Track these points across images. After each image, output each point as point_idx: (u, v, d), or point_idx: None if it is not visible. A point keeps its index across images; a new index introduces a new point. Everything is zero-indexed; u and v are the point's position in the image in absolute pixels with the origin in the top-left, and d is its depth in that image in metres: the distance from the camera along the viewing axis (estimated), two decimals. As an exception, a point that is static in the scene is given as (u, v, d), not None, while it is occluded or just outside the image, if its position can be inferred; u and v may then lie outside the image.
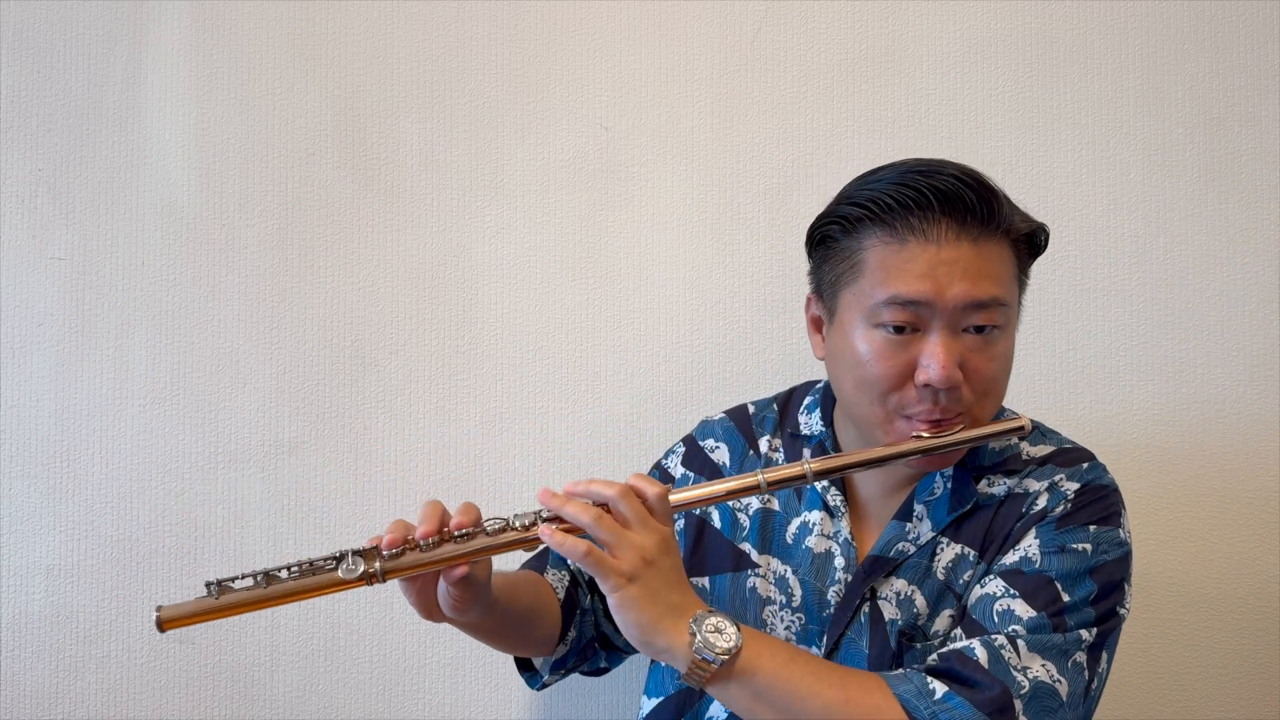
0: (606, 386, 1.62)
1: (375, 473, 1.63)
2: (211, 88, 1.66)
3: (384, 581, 0.98)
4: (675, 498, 1.02)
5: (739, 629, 0.97)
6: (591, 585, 1.26)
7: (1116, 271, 1.58)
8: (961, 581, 1.09)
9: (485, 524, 1.00)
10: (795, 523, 1.18)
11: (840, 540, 1.15)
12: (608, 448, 1.62)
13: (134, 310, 1.64)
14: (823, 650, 1.11)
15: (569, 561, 1.26)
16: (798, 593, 1.15)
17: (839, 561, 1.14)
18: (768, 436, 1.24)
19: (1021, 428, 1.07)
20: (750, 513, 1.21)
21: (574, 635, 1.24)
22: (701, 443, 1.28)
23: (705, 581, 1.20)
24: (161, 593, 1.62)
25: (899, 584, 1.10)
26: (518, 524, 1.00)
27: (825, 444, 1.19)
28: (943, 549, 1.11)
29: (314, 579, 0.97)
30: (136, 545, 1.62)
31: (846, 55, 1.62)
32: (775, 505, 1.20)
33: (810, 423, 1.22)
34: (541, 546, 1.30)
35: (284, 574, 0.97)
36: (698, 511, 1.23)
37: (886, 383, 1.06)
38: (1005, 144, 1.60)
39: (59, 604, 1.62)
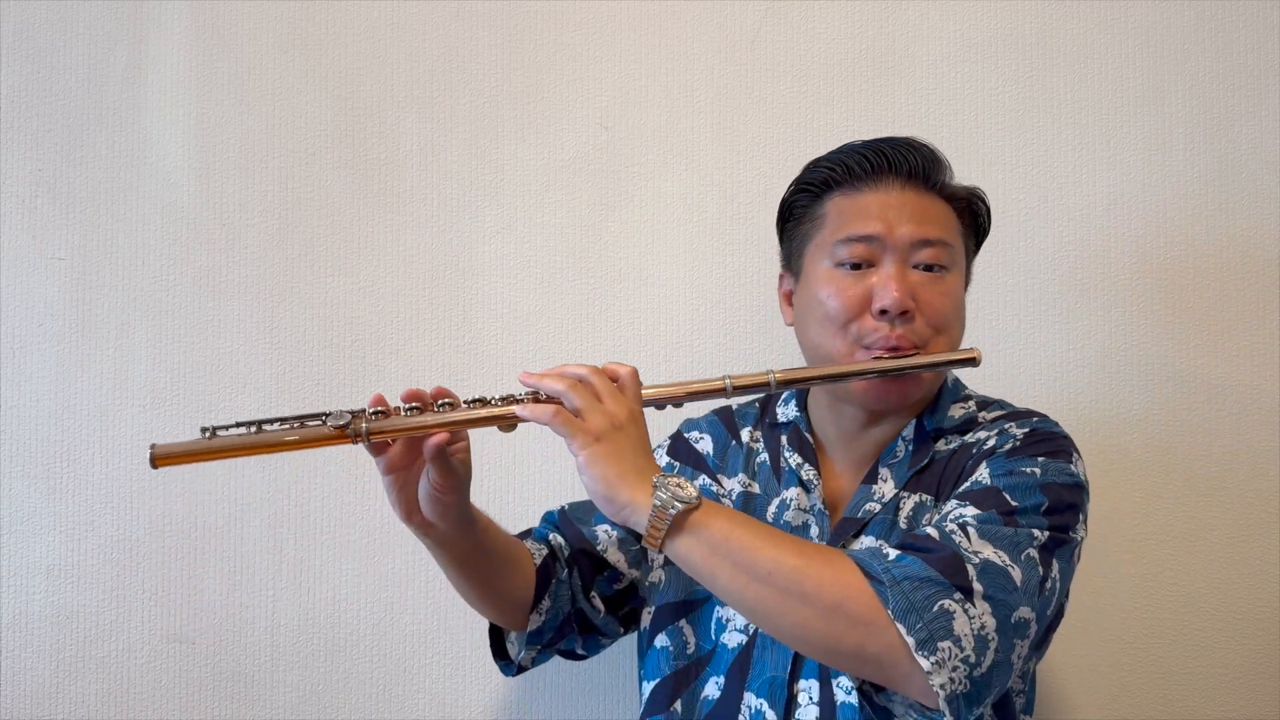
0: (606, 386, 1.62)
1: (375, 473, 1.62)
2: (211, 88, 1.66)
3: (368, 440, 1.02)
4: (646, 392, 1.08)
5: (699, 491, 1.01)
6: (570, 561, 1.27)
7: (1116, 271, 1.58)
8: (922, 525, 1.12)
9: (464, 402, 1.05)
10: (775, 502, 1.22)
11: (815, 511, 1.19)
12: (608, 448, 1.61)
13: (134, 310, 1.64)
14: None
15: (549, 537, 1.29)
16: None
17: (814, 531, 1.18)
18: (749, 428, 1.30)
19: (974, 359, 1.13)
20: (733, 497, 1.25)
21: (549, 606, 1.24)
22: (686, 434, 1.34)
23: None
24: (161, 593, 1.62)
25: (868, 541, 1.14)
26: (496, 399, 1.05)
27: (800, 427, 1.25)
28: (904, 501, 1.16)
29: (302, 430, 1.01)
30: (136, 545, 1.62)
31: (846, 55, 1.62)
32: (756, 489, 1.25)
33: (786, 411, 1.28)
34: (523, 531, 1.31)
35: (274, 426, 1.01)
36: None
37: (847, 313, 1.15)
38: (1005, 144, 1.60)
39: (59, 604, 1.62)
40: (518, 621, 1.25)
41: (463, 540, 1.15)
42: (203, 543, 1.62)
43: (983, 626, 0.95)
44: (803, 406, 1.27)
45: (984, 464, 1.10)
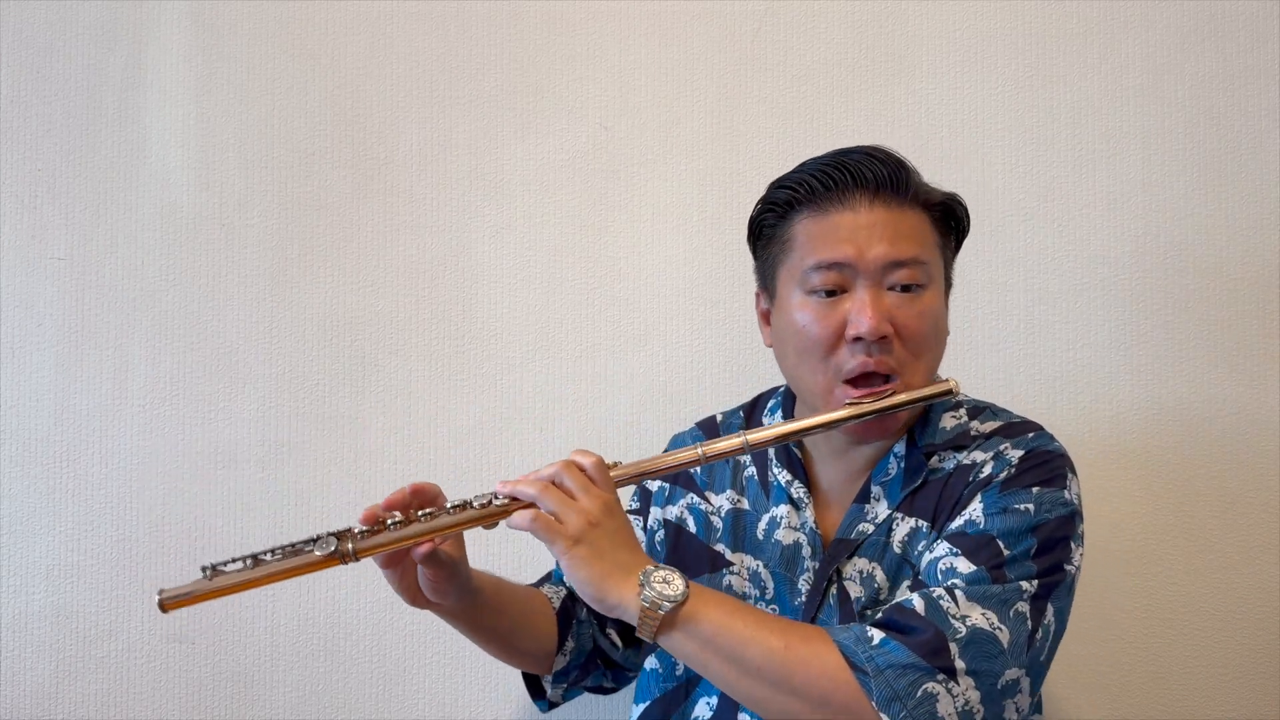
0: (606, 386, 1.62)
1: (375, 473, 1.63)
2: (211, 88, 1.66)
3: (357, 560, 1.05)
4: (617, 472, 1.09)
5: (686, 582, 1.01)
6: None
7: (1116, 271, 1.58)
8: (917, 553, 1.12)
9: (447, 505, 1.07)
10: (765, 519, 1.21)
11: (806, 530, 1.18)
12: (607, 447, 1.59)
13: (134, 310, 1.64)
14: None
15: (565, 578, 1.28)
16: (770, 585, 1.18)
17: (806, 550, 1.17)
18: None
19: (949, 390, 1.11)
20: (722, 515, 1.24)
21: (573, 646, 1.27)
22: None
23: None
24: (161, 593, 1.62)
25: (861, 563, 1.14)
26: (477, 503, 1.06)
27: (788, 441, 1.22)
28: (898, 524, 1.14)
29: (295, 560, 1.05)
30: (136, 545, 1.62)
31: (846, 55, 1.62)
32: (745, 505, 1.23)
33: (772, 423, 1.25)
34: (543, 576, 1.32)
35: (269, 556, 1.05)
36: (674, 518, 1.27)
37: (824, 344, 1.12)
38: (1005, 144, 1.60)
39: (59, 604, 1.62)
40: (545, 666, 1.27)
41: (472, 610, 1.16)
42: (203, 542, 1.62)
43: (967, 703, 0.98)
44: (789, 418, 1.25)
45: (979, 497, 1.09)
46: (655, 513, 1.29)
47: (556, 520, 1.02)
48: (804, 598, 1.15)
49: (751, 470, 1.25)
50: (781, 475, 1.21)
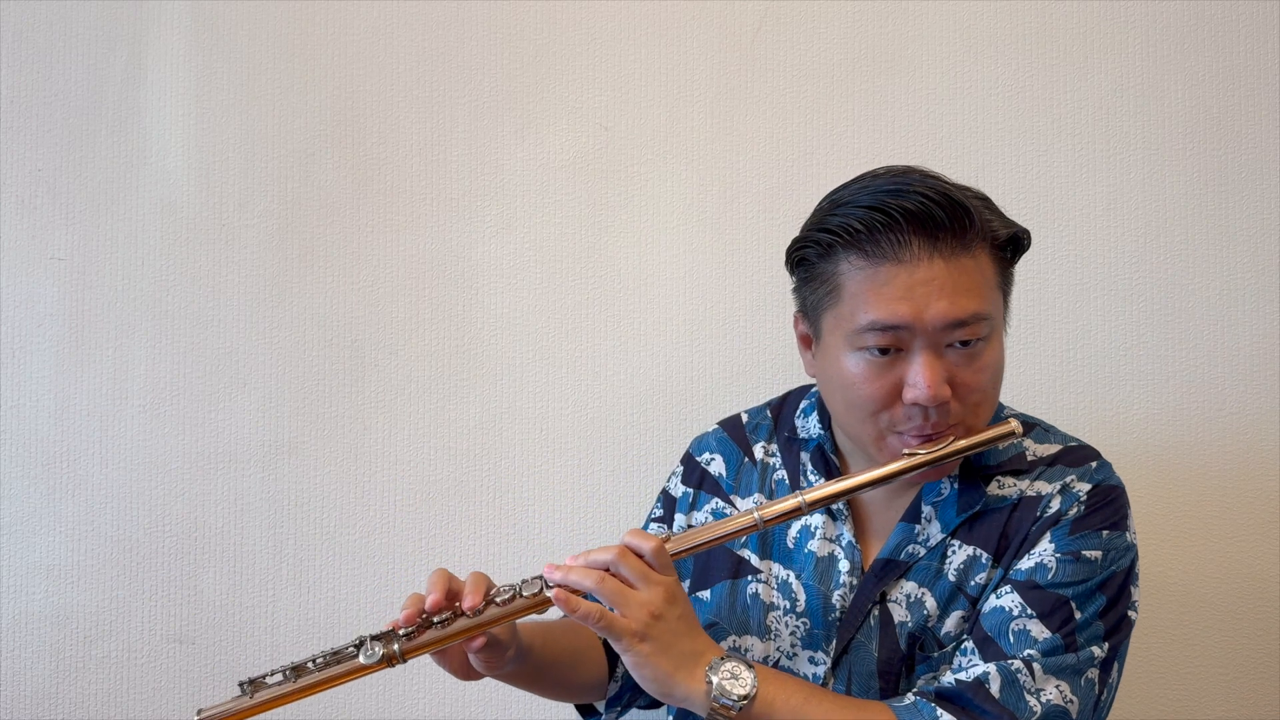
0: (606, 386, 1.62)
1: (375, 473, 1.63)
2: (211, 88, 1.66)
3: (404, 662, 1.01)
4: (673, 546, 1.03)
5: (754, 672, 0.99)
6: None
7: (1116, 271, 1.58)
8: (974, 583, 1.09)
9: (494, 594, 1.03)
10: (796, 527, 1.17)
11: (843, 543, 1.14)
12: (607, 447, 1.62)
13: (134, 310, 1.64)
14: (831, 655, 1.12)
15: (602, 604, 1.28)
16: (801, 597, 1.15)
17: (843, 565, 1.13)
18: (762, 443, 1.24)
19: (1011, 432, 1.06)
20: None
21: (623, 670, 1.24)
22: (698, 457, 1.28)
23: (706, 594, 1.20)
24: (161, 593, 1.62)
25: (909, 586, 1.10)
26: (526, 592, 1.02)
27: (824, 447, 1.19)
28: (954, 551, 1.10)
29: (338, 668, 1.01)
30: (136, 545, 1.62)
31: (846, 55, 1.62)
32: None
33: (808, 426, 1.22)
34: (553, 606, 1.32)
35: (310, 665, 1.00)
36: (698, 524, 1.23)
37: (875, 403, 1.06)
38: (1005, 144, 1.60)
39: (59, 604, 1.62)
40: (599, 694, 1.26)
41: (526, 669, 1.14)
42: (203, 543, 1.62)
43: None
44: (826, 423, 1.20)
45: (1048, 536, 1.07)
46: (680, 520, 1.26)
47: (619, 613, 0.98)
48: (839, 613, 1.12)
49: (782, 474, 1.21)
50: (817, 484, 1.16)
